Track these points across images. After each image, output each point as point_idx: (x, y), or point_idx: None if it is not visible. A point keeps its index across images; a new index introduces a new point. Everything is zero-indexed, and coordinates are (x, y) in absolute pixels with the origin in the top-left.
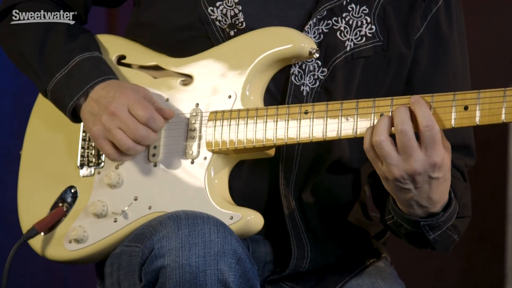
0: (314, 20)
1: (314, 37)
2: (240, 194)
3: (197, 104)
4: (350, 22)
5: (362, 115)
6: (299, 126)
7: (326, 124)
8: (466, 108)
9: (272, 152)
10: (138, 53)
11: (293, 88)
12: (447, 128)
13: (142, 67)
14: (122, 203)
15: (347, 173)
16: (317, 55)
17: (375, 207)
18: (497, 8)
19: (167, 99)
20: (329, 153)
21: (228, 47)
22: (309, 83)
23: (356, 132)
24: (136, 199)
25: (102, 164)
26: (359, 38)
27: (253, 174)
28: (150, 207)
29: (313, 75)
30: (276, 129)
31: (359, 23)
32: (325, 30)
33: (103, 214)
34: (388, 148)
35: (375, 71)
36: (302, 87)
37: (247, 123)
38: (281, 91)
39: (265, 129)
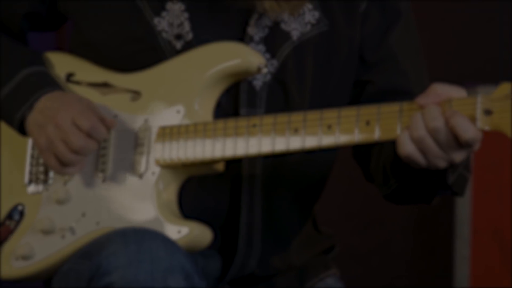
0: (257, 15)
1: (259, 32)
2: (191, 208)
3: (146, 119)
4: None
5: (310, 127)
6: (248, 140)
7: (275, 137)
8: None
9: (221, 167)
10: (87, 71)
11: (246, 85)
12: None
13: (91, 85)
14: (70, 219)
15: (315, 169)
16: (266, 70)
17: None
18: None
19: (116, 116)
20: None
21: (176, 62)
22: (261, 77)
23: (304, 144)
24: (83, 215)
25: (51, 180)
26: (304, 26)
27: (204, 186)
28: (98, 223)
29: None
30: (225, 143)
31: (301, 12)
32: (269, 24)
33: (50, 230)
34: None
35: (327, 57)
36: (254, 82)
37: (195, 138)
38: (233, 90)
39: (214, 144)
